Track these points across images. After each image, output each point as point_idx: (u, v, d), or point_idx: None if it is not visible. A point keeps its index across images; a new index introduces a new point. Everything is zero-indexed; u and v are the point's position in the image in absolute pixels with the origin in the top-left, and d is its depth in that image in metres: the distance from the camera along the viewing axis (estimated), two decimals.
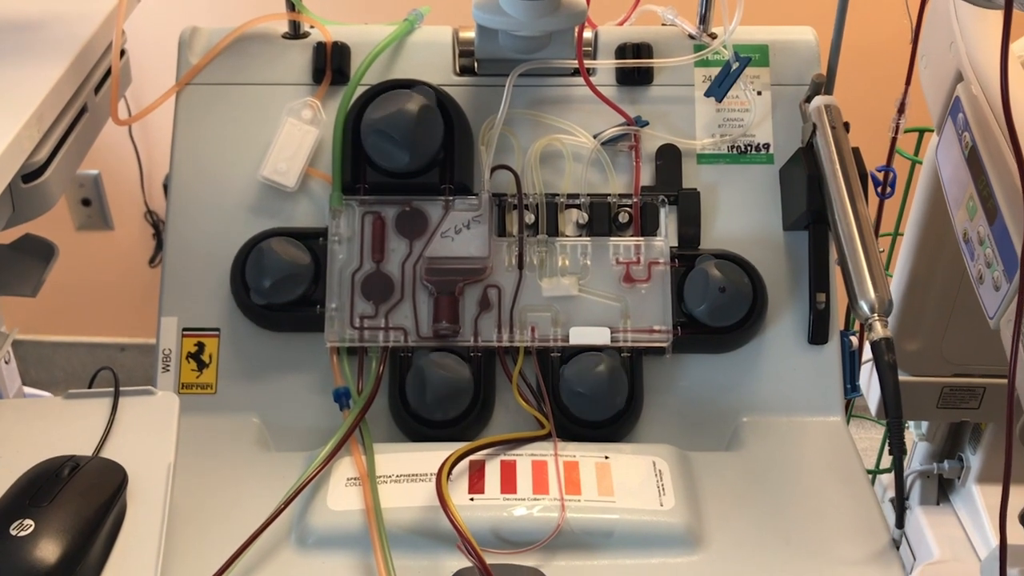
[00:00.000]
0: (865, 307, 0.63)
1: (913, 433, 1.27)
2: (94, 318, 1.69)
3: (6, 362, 1.04)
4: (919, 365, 1.12)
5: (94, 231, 1.61)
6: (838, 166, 0.69)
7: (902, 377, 1.15)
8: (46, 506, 0.53)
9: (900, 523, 0.62)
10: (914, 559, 1.33)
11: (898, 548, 0.63)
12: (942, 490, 1.37)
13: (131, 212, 1.59)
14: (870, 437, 1.54)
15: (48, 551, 0.51)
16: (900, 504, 0.63)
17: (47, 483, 0.54)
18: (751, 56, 0.76)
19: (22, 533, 0.51)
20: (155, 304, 0.74)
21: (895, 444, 0.60)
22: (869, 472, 1.49)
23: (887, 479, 1.43)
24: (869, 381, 1.20)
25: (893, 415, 0.60)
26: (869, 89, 1.13)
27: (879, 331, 0.62)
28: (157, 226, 1.59)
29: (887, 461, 1.49)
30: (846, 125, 0.72)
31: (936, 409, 1.16)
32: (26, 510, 0.52)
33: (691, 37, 0.78)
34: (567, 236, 0.74)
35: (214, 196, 0.75)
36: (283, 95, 0.77)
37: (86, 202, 1.59)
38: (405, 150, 0.71)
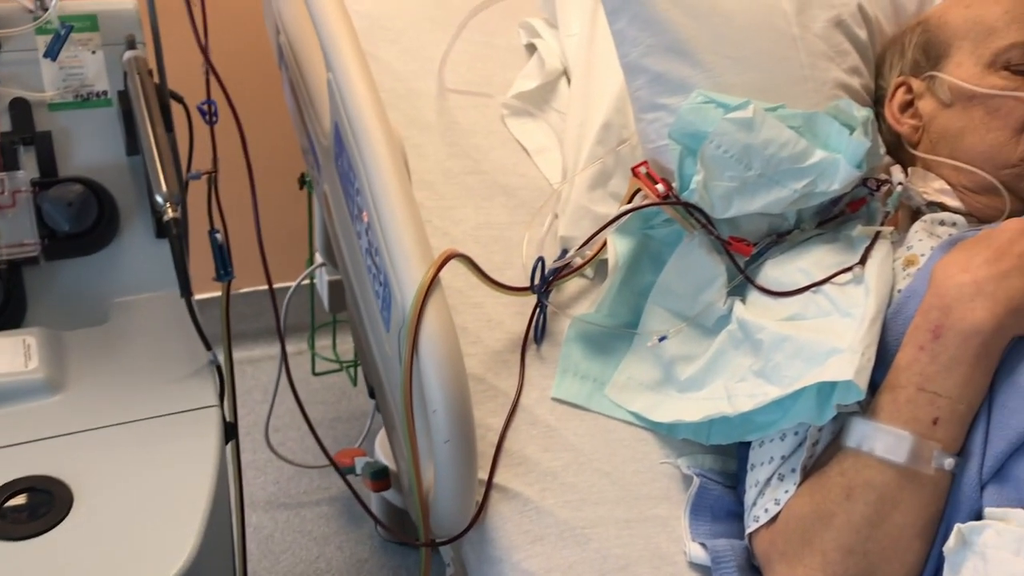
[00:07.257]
0: (160, 198, 0.87)
1: None
2: None
3: None
4: None
5: None
6: (142, 101, 0.92)
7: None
8: None
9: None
10: None
11: (216, 369, 0.89)
12: None
13: None
14: None
15: None
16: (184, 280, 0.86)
17: None
18: (74, 24, 0.97)
19: None
20: None
21: (183, 285, 0.86)
22: None
23: None
24: None
25: (181, 276, 0.85)
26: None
27: (170, 214, 0.86)
28: None
29: None
30: (151, 72, 0.95)
31: None
32: None
33: (29, 11, 0.97)
34: None
35: None
36: None
37: None
38: None
